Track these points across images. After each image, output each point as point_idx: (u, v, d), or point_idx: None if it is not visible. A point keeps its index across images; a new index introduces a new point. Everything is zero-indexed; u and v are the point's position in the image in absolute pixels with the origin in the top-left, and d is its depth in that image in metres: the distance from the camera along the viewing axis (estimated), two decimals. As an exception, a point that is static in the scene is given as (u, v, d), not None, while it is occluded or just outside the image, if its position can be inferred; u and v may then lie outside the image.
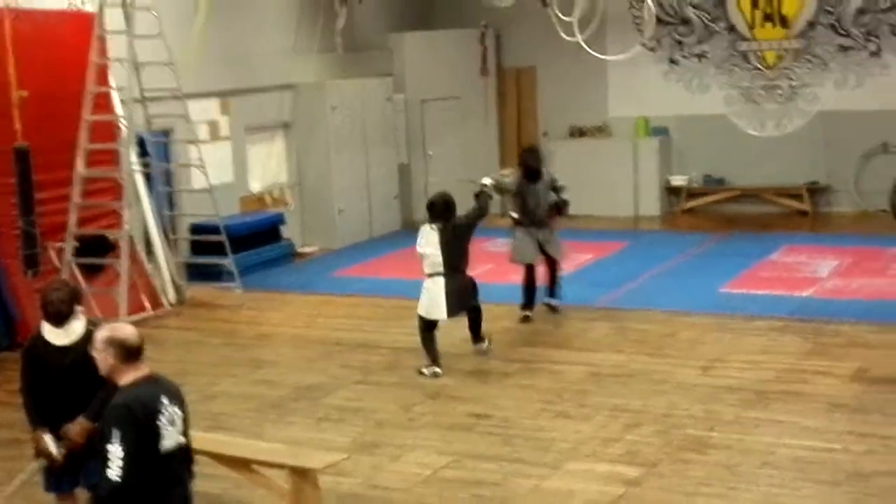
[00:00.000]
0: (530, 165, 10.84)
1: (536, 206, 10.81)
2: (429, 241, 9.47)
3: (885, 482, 6.72)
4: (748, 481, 6.85)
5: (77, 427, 5.61)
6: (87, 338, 5.50)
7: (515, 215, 10.99)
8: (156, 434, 4.60)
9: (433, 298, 9.40)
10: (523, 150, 11.50)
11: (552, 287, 11.06)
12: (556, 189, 11.01)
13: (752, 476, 6.93)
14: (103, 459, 4.53)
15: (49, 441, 5.68)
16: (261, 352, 10.37)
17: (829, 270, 12.46)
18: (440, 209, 9.57)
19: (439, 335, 10.11)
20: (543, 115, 17.74)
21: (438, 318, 9.47)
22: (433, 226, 9.49)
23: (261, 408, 8.69)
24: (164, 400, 4.68)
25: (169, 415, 4.67)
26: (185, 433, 4.79)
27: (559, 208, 10.98)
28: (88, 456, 5.54)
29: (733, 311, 10.90)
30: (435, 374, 9.28)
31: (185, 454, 4.82)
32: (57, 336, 5.63)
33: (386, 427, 8.13)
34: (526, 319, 10.82)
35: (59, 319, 5.61)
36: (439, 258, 9.40)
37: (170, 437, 4.66)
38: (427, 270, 9.46)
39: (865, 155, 15.90)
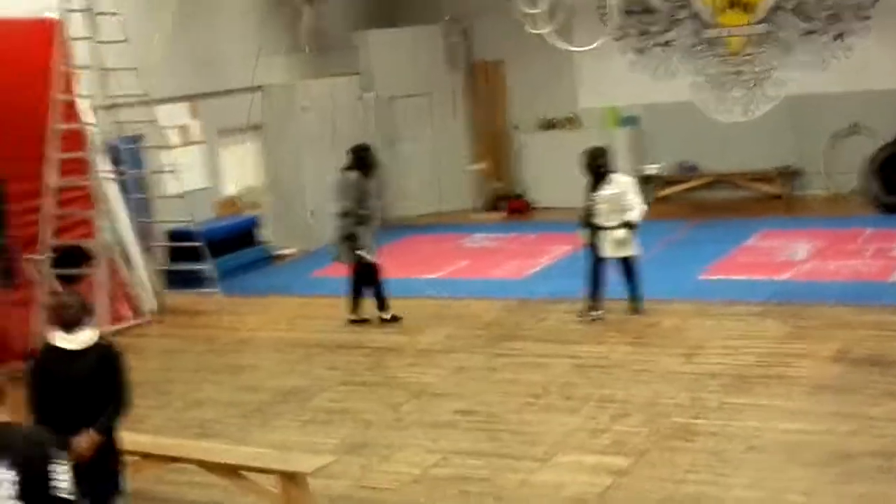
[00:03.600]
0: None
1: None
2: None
3: (871, 462, 6.78)
4: (735, 467, 6.90)
5: (85, 439, 5.53)
6: (97, 348, 5.62)
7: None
8: None
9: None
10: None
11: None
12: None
13: (738, 461, 6.98)
14: None
15: None
16: (243, 356, 10.33)
17: (805, 253, 12.56)
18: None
19: (421, 331, 10.17)
20: (513, 109, 17.76)
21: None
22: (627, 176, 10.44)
23: (246, 413, 8.67)
24: None
25: None
26: (24, 498, 3.90)
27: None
28: (96, 471, 5.52)
29: (713, 297, 10.97)
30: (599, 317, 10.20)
31: None
32: (67, 341, 5.62)
33: (373, 427, 8.12)
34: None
35: (71, 324, 5.61)
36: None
37: None
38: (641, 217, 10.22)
39: (835, 137, 16.03)
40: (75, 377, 5.58)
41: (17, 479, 3.89)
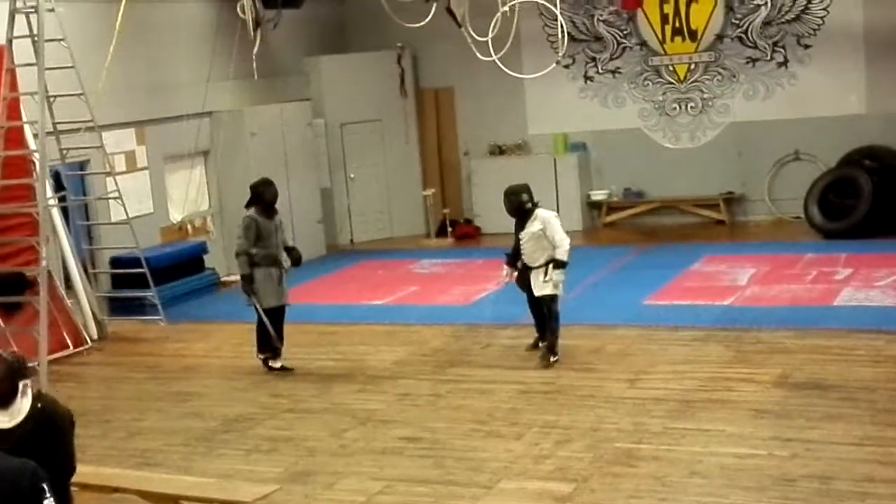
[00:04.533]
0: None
1: None
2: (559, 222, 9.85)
3: (810, 486, 6.87)
4: (677, 491, 6.95)
5: None
6: (34, 416, 4.96)
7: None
8: None
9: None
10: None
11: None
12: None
13: (681, 486, 7.03)
14: None
15: None
16: (187, 384, 10.23)
17: (747, 278, 12.73)
18: (532, 195, 9.96)
19: (368, 357, 10.11)
20: (463, 135, 17.86)
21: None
22: (546, 210, 9.96)
23: (189, 441, 8.58)
24: None
25: None
26: None
27: None
28: None
29: (657, 322, 11.08)
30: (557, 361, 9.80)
31: None
32: (1, 420, 4.94)
33: (318, 455, 8.08)
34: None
35: (1, 401, 4.92)
36: None
37: None
38: (567, 253, 9.71)
39: (778, 164, 16.30)
40: (11, 451, 4.67)
41: None
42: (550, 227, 9.68)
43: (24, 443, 4.85)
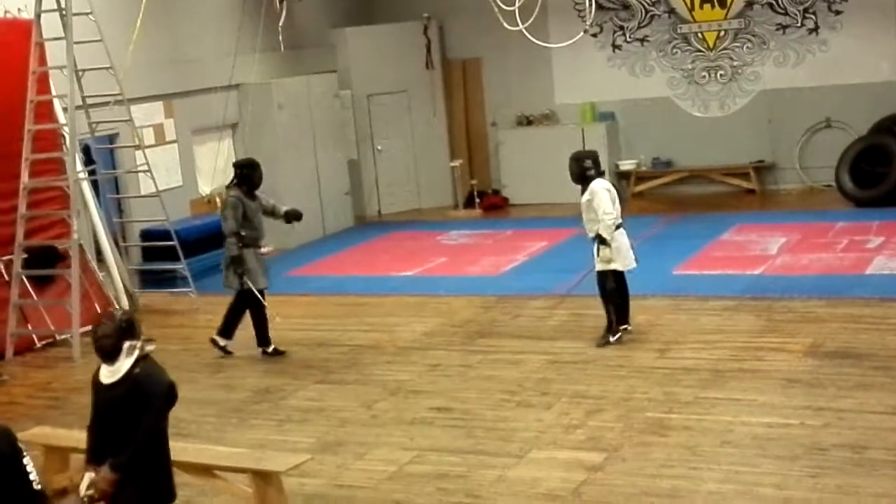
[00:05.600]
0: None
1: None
2: (612, 196, 9.40)
3: (842, 455, 6.84)
4: (709, 461, 6.94)
5: (101, 474, 5.27)
6: (129, 380, 5.21)
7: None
8: None
9: (627, 249, 9.42)
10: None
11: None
12: None
13: (712, 455, 7.02)
14: None
15: (84, 480, 5.38)
16: (218, 355, 10.29)
17: (778, 247, 12.64)
18: (599, 164, 9.57)
19: (398, 328, 10.12)
20: (491, 105, 17.79)
21: (633, 266, 9.50)
22: (603, 181, 9.47)
23: (222, 412, 8.65)
24: None
25: None
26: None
27: None
28: None
29: (687, 292, 11.03)
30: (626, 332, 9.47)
31: None
32: (104, 373, 5.32)
33: (349, 425, 8.13)
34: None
35: (104, 356, 5.27)
36: (619, 210, 9.46)
37: None
38: (611, 228, 9.29)
39: (809, 131, 16.13)
40: (105, 407, 5.30)
41: None
42: (597, 198, 9.31)
43: (119, 402, 5.22)
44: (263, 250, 10.17)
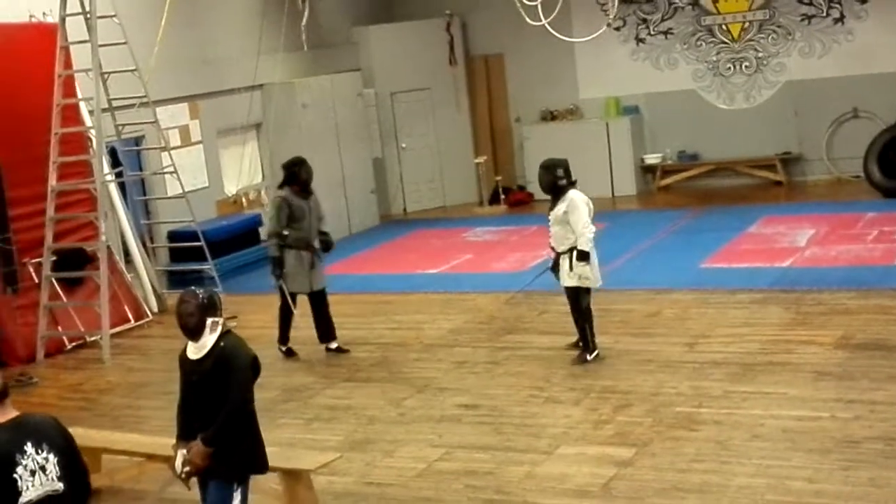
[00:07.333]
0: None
1: None
2: (590, 209, 8.91)
3: (874, 447, 6.78)
4: (739, 455, 6.90)
5: (193, 449, 5.44)
6: (214, 354, 5.41)
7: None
8: (11, 488, 4.04)
9: (596, 265, 8.96)
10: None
11: None
12: None
13: (743, 449, 6.98)
14: None
15: (178, 458, 5.53)
16: (247, 355, 10.32)
17: (806, 239, 12.55)
18: (570, 173, 9.00)
19: (425, 326, 10.09)
20: (514, 101, 17.76)
21: (600, 283, 9.07)
22: (580, 193, 8.95)
23: (250, 412, 8.66)
24: (29, 447, 4.10)
25: (32, 463, 4.10)
26: (65, 477, 4.19)
27: None
28: (207, 478, 5.48)
29: (715, 285, 10.97)
30: (598, 357, 8.97)
31: (61, 502, 4.23)
32: (191, 350, 5.52)
33: (377, 423, 8.14)
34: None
35: (189, 333, 5.48)
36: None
37: (33, 490, 4.09)
38: (590, 243, 8.83)
39: (836, 122, 16.00)
40: (193, 383, 5.50)
41: (57, 461, 4.20)
42: (575, 213, 8.75)
43: (206, 376, 5.41)
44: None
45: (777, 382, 8.10)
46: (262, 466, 5.72)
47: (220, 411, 5.36)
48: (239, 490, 5.52)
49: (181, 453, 5.51)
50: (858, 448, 6.80)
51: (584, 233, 8.76)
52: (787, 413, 7.49)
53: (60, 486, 4.19)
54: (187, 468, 5.48)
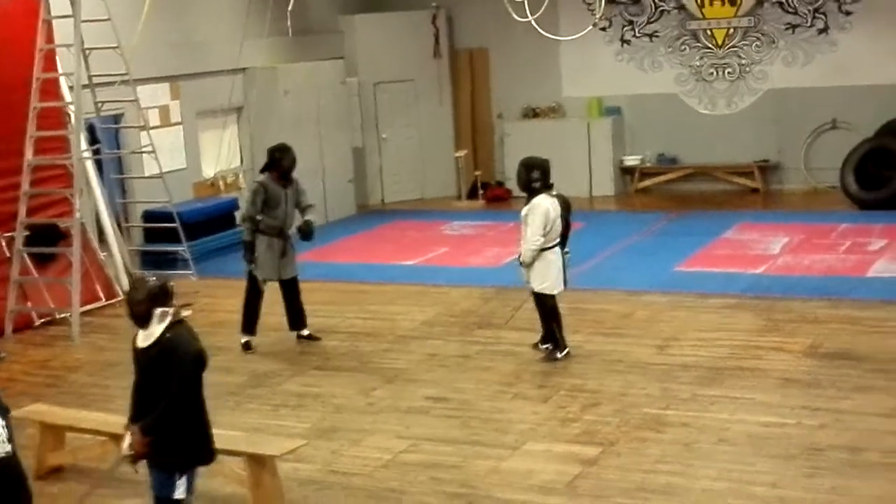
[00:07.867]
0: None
1: None
2: (554, 209, 8.75)
3: (839, 456, 6.83)
4: (704, 458, 6.94)
5: (134, 436, 5.43)
6: (160, 344, 5.34)
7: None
8: None
9: (558, 270, 8.84)
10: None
11: None
12: None
13: (708, 453, 7.02)
14: None
15: (126, 440, 5.52)
16: (217, 339, 10.21)
17: (780, 247, 12.62)
18: (548, 176, 8.82)
19: (397, 317, 10.07)
20: (497, 97, 17.75)
21: (560, 290, 8.93)
22: (552, 194, 8.80)
23: (218, 395, 8.54)
24: None
25: None
26: (11, 439, 4.45)
27: None
28: (150, 465, 5.49)
29: (688, 289, 11.01)
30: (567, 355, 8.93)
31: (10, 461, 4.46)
32: (140, 337, 5.47)
33: (345, 412, 8.13)
34: None
35: (136, 321, 5.44)
36: (559, 228, 8.83)
37: None
38: (547, 243, 8.74)
39: (815, 132, 16.09)
40: (139, 370, 5.50)
41: (3, 423, 4.43)
42: (530, 217, 8.71)
43: (150, 365, 5.39)
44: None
45: (745, 388, 8.14)
46: (205, 458, 5.67)
47: (161, 401, 5.34)
48: (183, 478, 5.48)
49: (128, 435, 5.50)
50: (822, 456, 6.85)
51: (528, 242, 8.72)
52: (754, 418, 7.53)
53: (9, 447, 4.42)
54: (131, 452, 5.48)
